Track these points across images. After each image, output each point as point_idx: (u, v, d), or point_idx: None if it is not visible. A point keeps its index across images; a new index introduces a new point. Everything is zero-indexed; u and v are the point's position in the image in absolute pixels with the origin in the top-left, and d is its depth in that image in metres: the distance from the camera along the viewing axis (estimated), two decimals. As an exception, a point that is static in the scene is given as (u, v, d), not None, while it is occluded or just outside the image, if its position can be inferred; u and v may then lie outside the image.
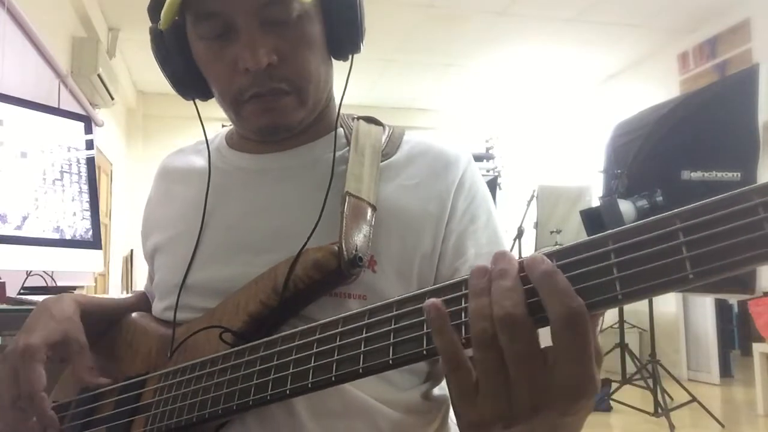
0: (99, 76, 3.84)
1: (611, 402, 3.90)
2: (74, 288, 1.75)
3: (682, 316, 5.08)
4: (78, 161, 1.75)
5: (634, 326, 5.14)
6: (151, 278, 0.86)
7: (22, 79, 2.76)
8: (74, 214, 1.70)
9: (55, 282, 1.78)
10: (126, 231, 5.69)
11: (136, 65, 5.44)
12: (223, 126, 0.86)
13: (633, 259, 0.38)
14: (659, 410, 3.48)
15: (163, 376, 0.66)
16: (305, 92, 0.70)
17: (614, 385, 3.90)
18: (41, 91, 3.08)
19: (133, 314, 0.79)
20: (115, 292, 5.08)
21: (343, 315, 0.52)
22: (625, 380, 3.91)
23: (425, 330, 0.44)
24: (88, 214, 1.74)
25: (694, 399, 3.55)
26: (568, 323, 0.37)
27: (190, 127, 6.17)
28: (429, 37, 4.91)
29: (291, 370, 0.53)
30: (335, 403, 0.63)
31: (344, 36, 0.72)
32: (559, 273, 0.38)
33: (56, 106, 3.11)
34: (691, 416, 3.70)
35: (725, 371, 5.03)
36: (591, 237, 0.40)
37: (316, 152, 0.76)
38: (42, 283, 1.72)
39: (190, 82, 0.75)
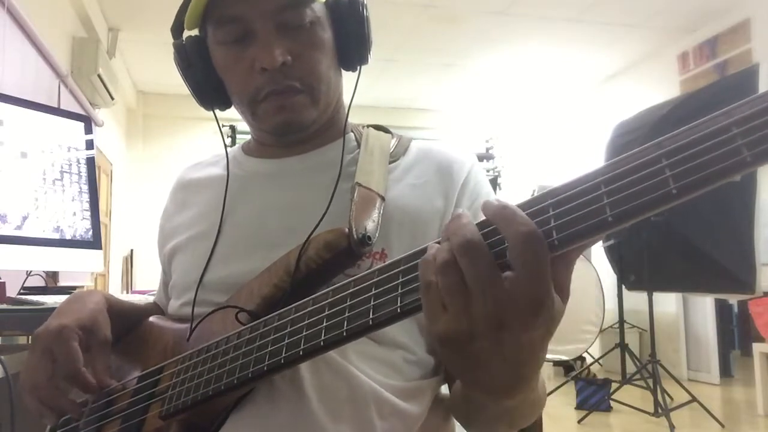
0: (99, 76, 3.84)
1: (611, 402, 3.90)
2: (74, 288, 1.74)
3: (682, 316, 5.08)
4: (78, 161, 1.75)
5: (634, 326, 5.15)
6: (165, 284, 0.89)
7: (22, 79, 2.77)
8: (74, 214, 1.70)
9: (55, 282, 1.77)
10: (126, 231, 5.69)
11: (136, 65, 5.44)
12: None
13: (621, 185, 0.40)
14: (659, 410, 3.48)
15: (179, 361, 0.68)
16: (317, 91, 0.76)
17: (614, 385, 3.90)
18: (41, 91, 3.08)
19: (151, 317, 0.82)
20: (115, 292, 5.07)
21: (353, 278, 0.54)
22: (625, 380, 3.91)
23: None
24: (88, 214, 1.73)
25: (694, 399, 3.55)
26: (524, 243, 0.41)
27: (190, 127, 6.17)
28: (429, 37, 4.91)
29: (304, 333, 0.54)
30: (342, 387, 0.64)
31: (353, 47, 0.79)
32: (511, 205, 0.44)
33: (56, 106, 3.11)
34: (691, 416, 3.71)
35: (725, 371, 5.03)
36: (579, 176, 0.43)
37: (327, 155, 0.80)
38: (42, 283, 1.72)
39: (210, 92, 0.81)
